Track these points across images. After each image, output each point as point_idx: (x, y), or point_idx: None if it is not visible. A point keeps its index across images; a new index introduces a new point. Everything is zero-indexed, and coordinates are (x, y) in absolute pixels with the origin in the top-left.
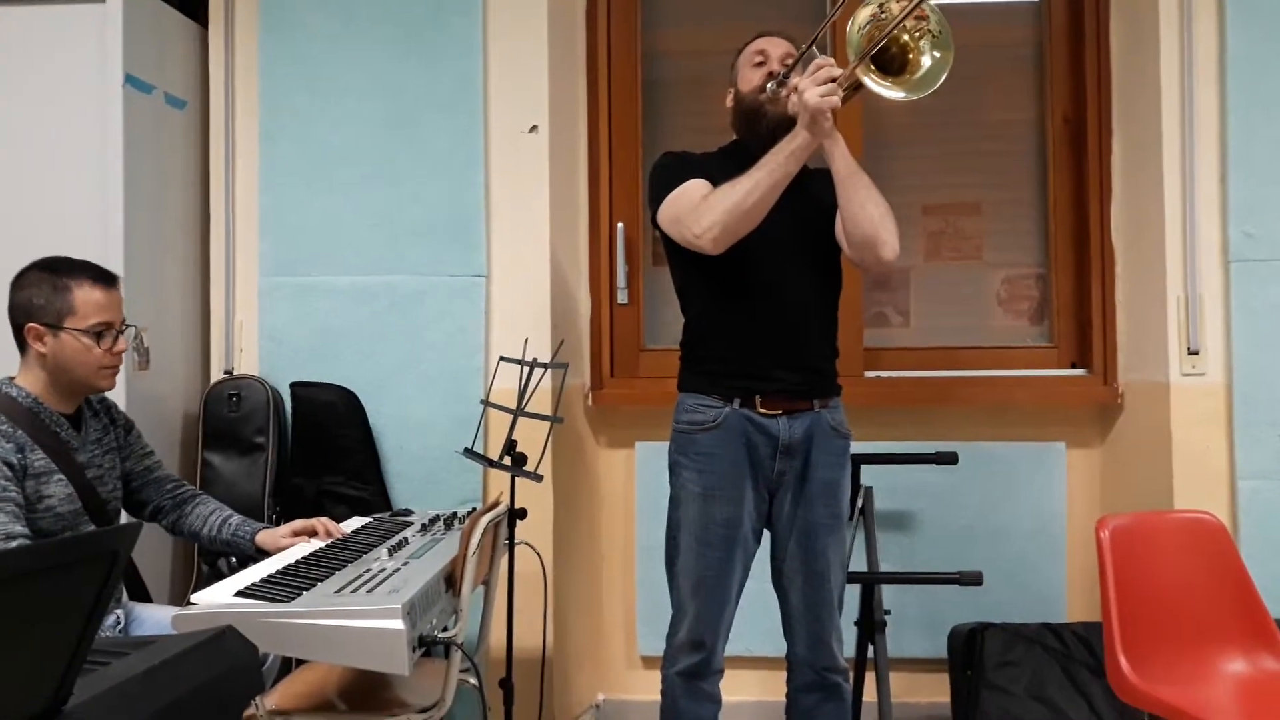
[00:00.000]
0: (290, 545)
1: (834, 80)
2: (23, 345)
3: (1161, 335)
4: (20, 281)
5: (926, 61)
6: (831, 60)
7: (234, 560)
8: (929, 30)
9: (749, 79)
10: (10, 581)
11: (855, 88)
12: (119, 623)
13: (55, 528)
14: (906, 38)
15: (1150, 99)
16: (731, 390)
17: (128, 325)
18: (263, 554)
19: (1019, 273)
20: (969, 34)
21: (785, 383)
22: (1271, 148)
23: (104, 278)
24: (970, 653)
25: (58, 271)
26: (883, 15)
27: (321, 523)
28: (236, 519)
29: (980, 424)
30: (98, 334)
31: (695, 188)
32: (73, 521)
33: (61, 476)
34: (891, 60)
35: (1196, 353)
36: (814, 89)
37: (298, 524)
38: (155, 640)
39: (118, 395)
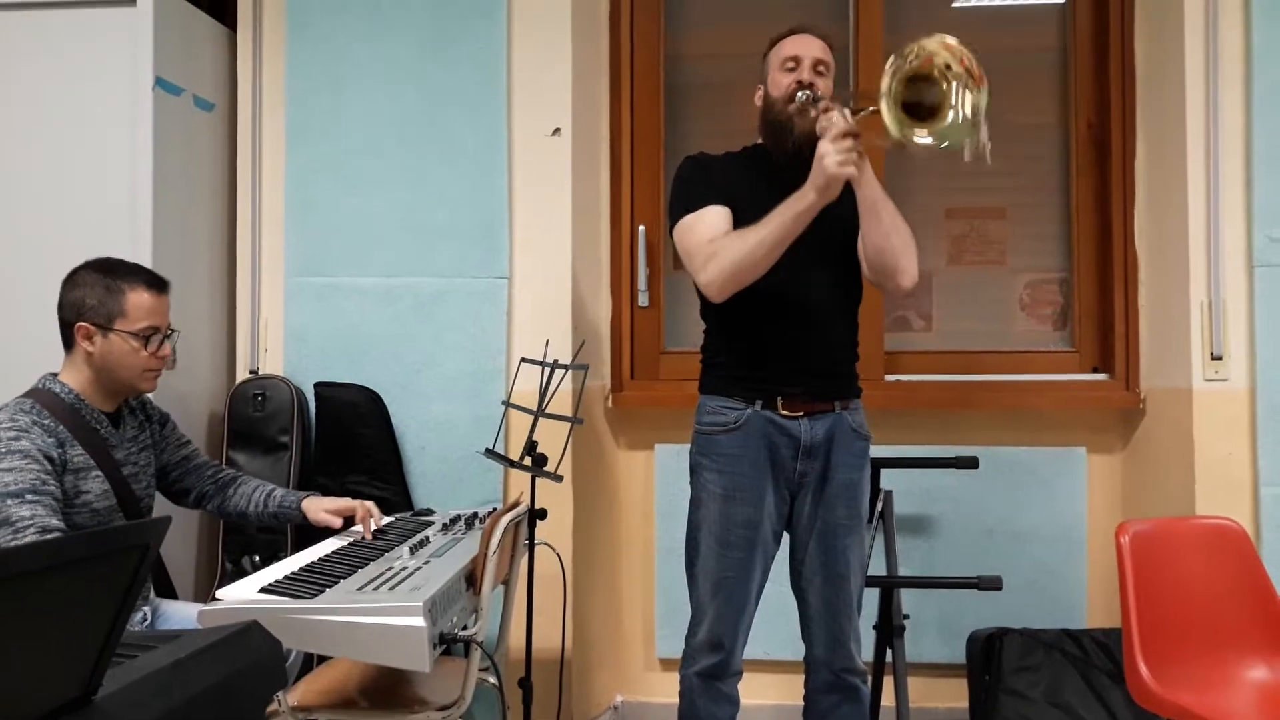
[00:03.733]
0: (326, 520)
1: (854, 136)
2: (69, 342)
3: (1184, 340)
4: (73, 280)
5: (952, 116)
6: (854, 126)
7: (257, 558)
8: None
9: (779, 82)
10: (44, 573)
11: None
12: (146, 619)
13: (90, 523)
14: (946, 86)
15: (1174, 103)
16: (753, 392)
17: (173, 330)
18: (306, 520)
19: (1042, 277)
20: (994, 39)
21: (807, 385)
22: None
23: (155, 283)
24: (989, 658)
25: (111, 273)
26: (915, 55)
27: (365, 507)
28: (280, 492)
29: (1001, 428)
30: (145, 337)
31: (708, 224)
32: (108, 518)
33: (99, 473)
34: (921, 107)
35: (1220, 358)
36: (834, 155)
37: (342, 502)
38: (182, 634)
39: None
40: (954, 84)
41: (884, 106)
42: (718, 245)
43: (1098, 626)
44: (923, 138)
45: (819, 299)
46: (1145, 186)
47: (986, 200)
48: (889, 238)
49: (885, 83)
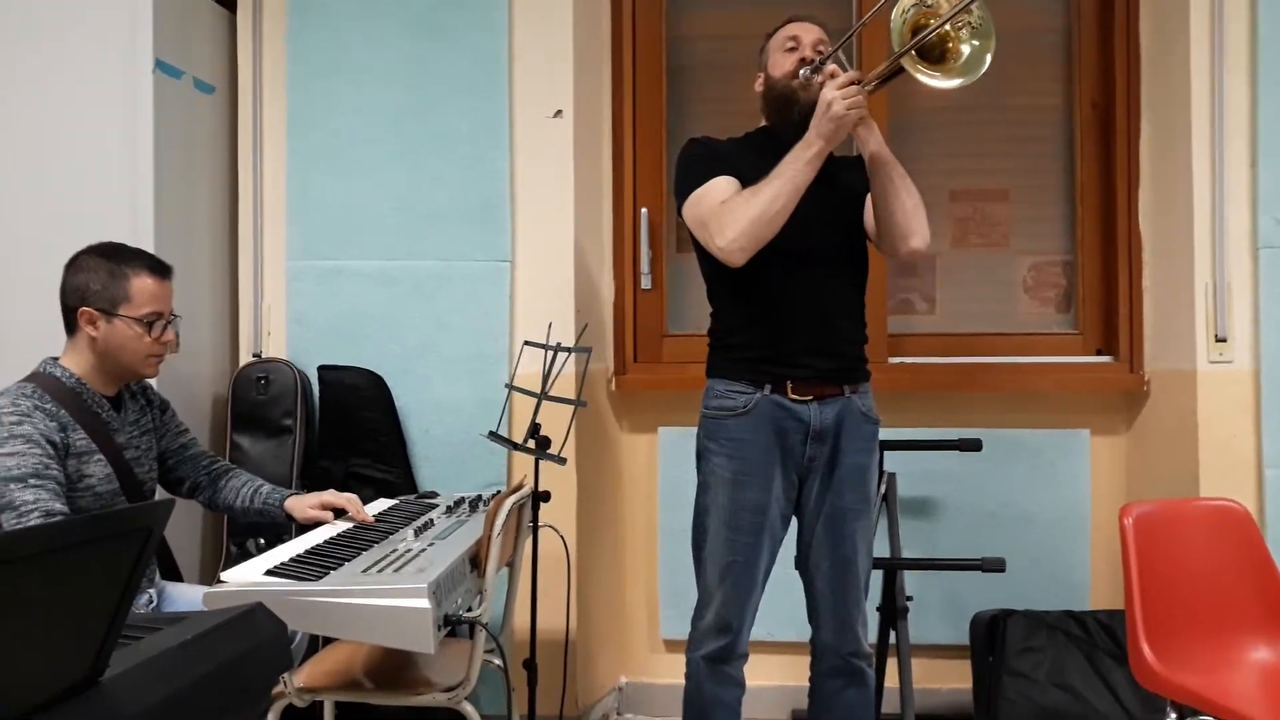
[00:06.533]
0: (316, 515)
1: (858, 83)
2: (72, 327)
3: (1189, 322)
4: (77, 264)
5: (966, 50)
6: (858, 73)
7: (262, 541)
8: (968, 21)
9: (780, 64)
10: (49, 555)
11: (893, 74)
12: (151, 601)
13: (94, 506)
14: (946, 26)
15: (1179, 83)
16: (763, 377)
17: (175, 316)
18: (292, 520)
19: (1045, 259)
20: (997, 19)
21: (816, 369)
22: None
23: (159, 268)
24: (992, 639)
25: (115, 258)
26: (929, 3)
27: (351, 502)
28: (267, 488)
29: (1005, 410)
30: (149, 323)
31: (719, 191)
32: (110, 501)
33: (101, 457)
34: (930, 49)
35: (1224, 340)
36: (841, 101)
37: (327, 496)
38: (187, 617)
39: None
40: (954, 27)
41: (906, 63)
42: (730, 206)
43: (1101, 608)
44: (940, 80)
45: (829, 274)
46: (1150, 168)
47: (990, 182)
48: (899, 197)
49: (895, 42)
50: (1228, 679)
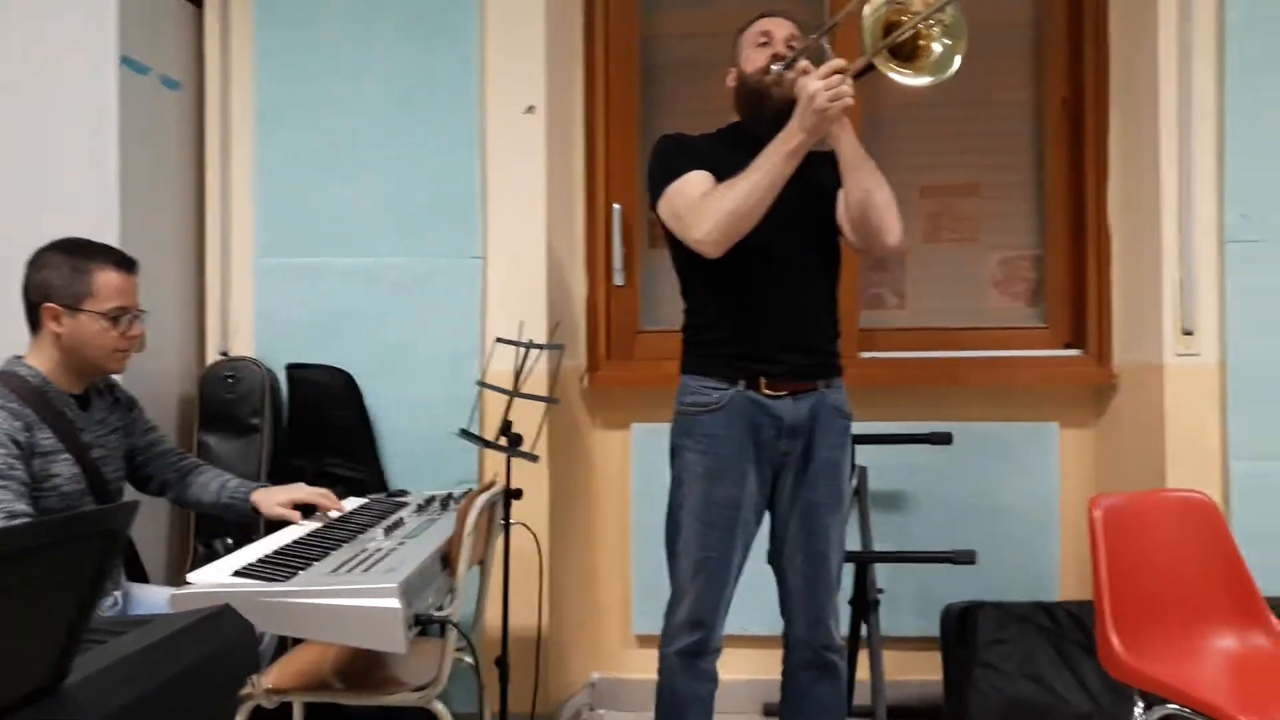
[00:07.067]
0: (282, 514)
1: (842, 72)
2: (35, 324)
3: (1156, 316)
4: (39, 261)
5: (937, 48)
6: (842, 61)
7: (230, 541)
8: (940, 20)
9: (752, 59)
10: (10, 558)
11: (864, 71)
12: (116, 603)
13: (60, 507)
14: (919, 25)
15: (1148, 79)
16: (737, 373)
17: (142, 310)
18: (258, 513)
19: (1015, 254)
20: (967, 14)
21: (790, 364)
22: (1269, 129)
23: (123, 263)
24: (963, 631)
25: (78, 254)
26: (901, 0)
27: (327, 496)
28: (234, 482)
29: (975, 404)
30: (114, 318)
31: (695, 184)
32: (77, 501)
33: (68, 456)
34: (901, 47)
35: (1191, 333)
36: (825, 92)
37: (299, 493)
38: (152, 619)
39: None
40: (926, 26)
41: (878, 62)
42: (708, 199)
43: (1070, 599)
44: (910, 77)
45: (802, 270)
46: (1119, 163)
47: (960, 177)
48: (872, 194)
49: (866, 38)
50: (1194, 668)
